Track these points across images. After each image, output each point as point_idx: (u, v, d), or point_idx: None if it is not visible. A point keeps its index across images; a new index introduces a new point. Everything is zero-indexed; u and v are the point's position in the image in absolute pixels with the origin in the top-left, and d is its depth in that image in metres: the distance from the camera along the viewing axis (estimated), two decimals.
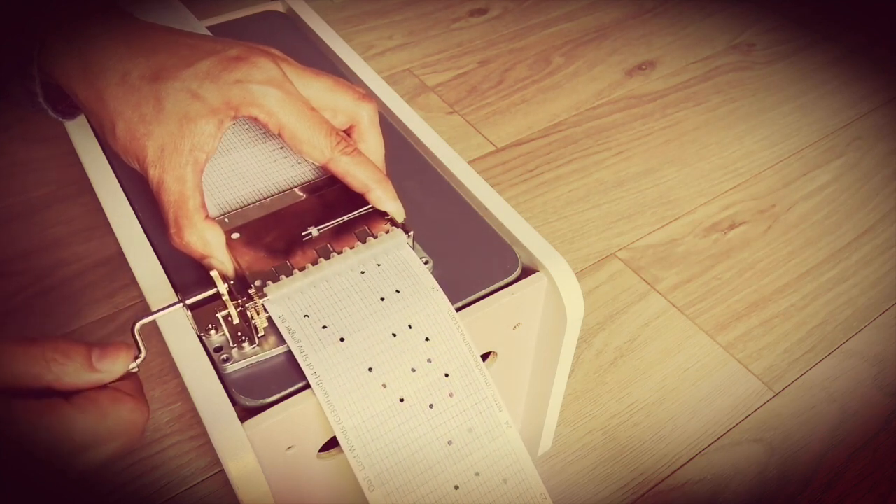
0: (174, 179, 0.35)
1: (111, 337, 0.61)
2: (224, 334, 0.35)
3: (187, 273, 0.38)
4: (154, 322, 0.34)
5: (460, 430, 0.36)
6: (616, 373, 0.61)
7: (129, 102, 0.35)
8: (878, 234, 0.73)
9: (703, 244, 0.71)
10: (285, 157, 0.42)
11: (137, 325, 0.31)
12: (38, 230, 0.69)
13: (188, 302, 0.34)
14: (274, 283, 0.35)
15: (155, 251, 0.40)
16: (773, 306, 0.66)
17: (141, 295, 0.40)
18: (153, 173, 0.35)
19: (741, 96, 0.89)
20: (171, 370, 0.59)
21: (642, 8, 1.03)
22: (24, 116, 0.78)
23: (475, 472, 0.36)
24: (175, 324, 0.36)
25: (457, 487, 0.36)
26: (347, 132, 0.40)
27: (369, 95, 0.40)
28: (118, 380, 0.28)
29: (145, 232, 0.41)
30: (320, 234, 0.37)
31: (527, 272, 0.40)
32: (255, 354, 0.34)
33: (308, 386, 0.34)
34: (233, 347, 0.35)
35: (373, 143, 0.40)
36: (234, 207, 0.39)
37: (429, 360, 0.36)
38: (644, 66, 0.93)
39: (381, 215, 0.39)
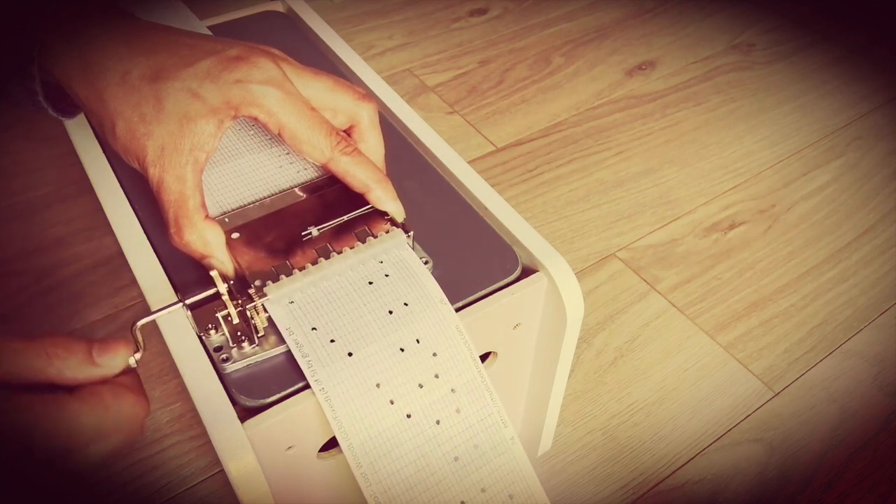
0: (174, 179, 0.35)
1: (111, 337, 0.61)
2: (224, 334, 0.35)
3: (187, 273, 0.38)
4: (154, 322, 0.34)
5: (466, 446, 0.36)
6: (616, 373, 0.61)
7: (129, 102, 0.35)
8: (878, 234, 0.73)
9: (703, 244, 0.71)
10: (285, 157, 0.42)
11: (137, 325, 0.31)
12: (38, 230, 0.69)
13: (188, 302, 0.34)
14: (274, 282, 0.35)
15: (155, 251, 0.40)
16: (773, 306, 0.66)
17: (141, 295, 0.40)
18: (153, 173, 0.35)
19: (741, 96, 0.89)
20: (171, 370, 0.59)
21: (642, 8, 1.03)
22: (24, 116, 0.78)
23: (481, 487, 0.37)
24: (175, 324, 0.36)
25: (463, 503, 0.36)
26: (347, 132, 0.40)
27: (369, 95, 0.40)
28: (118, 375, 0.29)
29: (145, 232, 0.41)
30: (320, 233, 0.37)
31: (527, 272, 0.40)
32: (254, 354, 0.34)
33: (308, 386, 0.34)
34: (233, 347, 0.35)
35: (373, 143, 0.40)
36: (234, 207, 0.39)
37: (436, 376, 0.36)
38: (644, 66, 0.93)
39: (381, 215, 0.38)
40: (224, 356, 0.34)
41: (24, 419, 0.25)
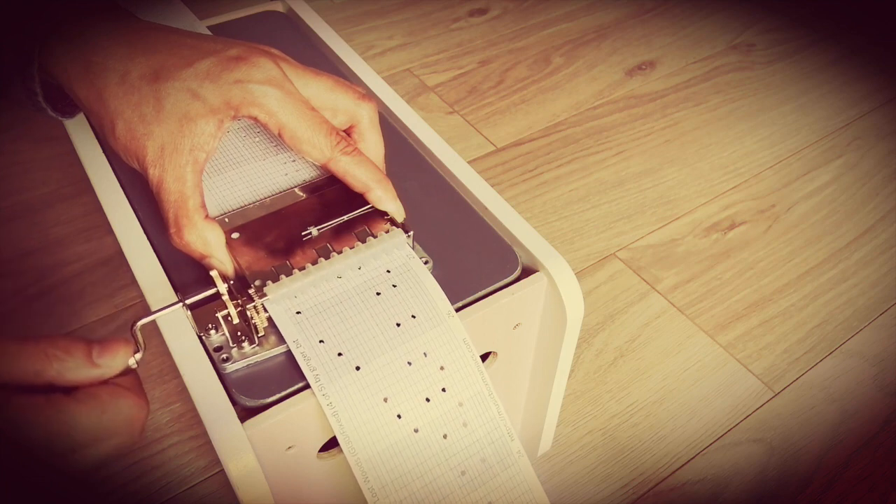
0: (174, 179, 0.35)
1: (111, 337, 0.61)
2: (224, 334, 0.35)
3: (187, 273, 0.38)
4: (154, 322, 0.34)
5: (473, 459, 0.36)
6: (616, 373, 0.61)
7: (129, 102, 0.35)
8: (878, 234, 0.73)
9: (703, 244, 0.71)
10: (285, 157, 0.42)
11: (137, 325, 0.31)
12: (38, 230, 0.69)
13: (188, 302, 0.34)
14: (274, 282, 0.35)
15: (155, 251, 0.40)
16: (773, 306, 0.66)
17: (141, 295, 0.40)
18: (153, 173, 0.35)
19: (741, 96, 0.89)
20: (171, 370, 0.59)
21: (642, 8, 1.03)
22: (24, 116, 0.78)
23: (488, 501, 0.37)
24: (175, 324, 0.36)
25: None
26: (347, 132, 0.40)
27: (369, 95, 0.40)
28: (118, 376, 0.29)
29: (145, 232, 0.41)
30: (320, 233, 0.37)
31: (527, 272, 0.40)
32: (255, 354, 0.34)
33: (308, 386, 0.34)
34: (233, 347, 0.35)
35: (373, 142, 0.40)
36: (233, 207, 0.39)
37: (443, 390, 0.36)
38: (644, 66, 0.93)
39: (381, 215, 0.38)
40: (224, 356, 0.34)
41: (22, 421, 0.25)
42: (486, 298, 0.38)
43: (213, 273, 0.34)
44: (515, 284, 0.39)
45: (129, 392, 0.28)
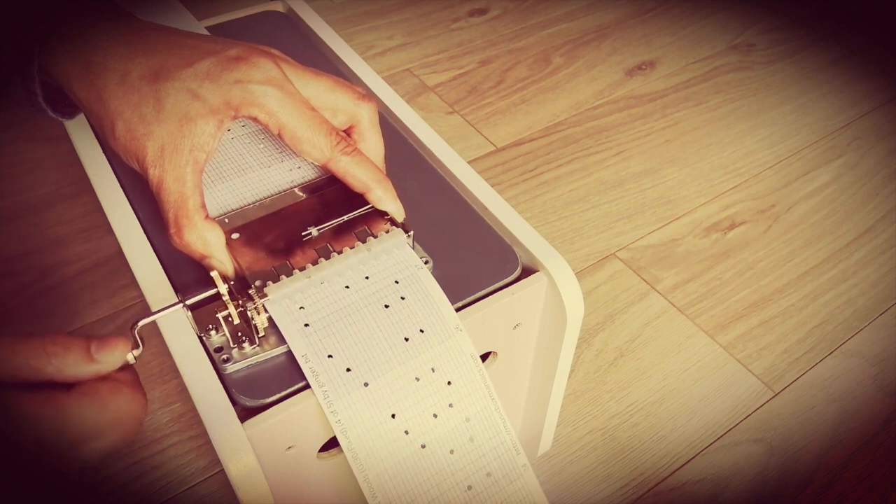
0: (174, 179, 0.35)
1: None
2: (224, 334, 0.35)
3: (187, 273, 0.38)
4: (154, 322, 0.34)
5: (479, 474, 0.36)
6: (616, 373, 0.61)
7: (129, 102, 0.35)
8: (878, 234, 0.73)
9: (703, 244, 0.71)
10: (285, 157, 0.42)
11: (138, 326, 0.31)
12: (38, 230, 0.69)
13: (188, 302, 0.34)
14: (274, 283, 0.35)
15: (155, 251, 0.40)
16: (773, 306, 0.66)
17: (141, 295, 0.40)
18: (153, 173, 0.35)
19: (741, 96, 0.89)
20: (171, 370, 0.59)
21: (642, 8, 1.03)
22: (24, 116, 0.78)
23: None
24: (175, 324, 0.36)
25: None
26: (347, 132, 0.40)
27: (369, 95, 0.40)
28: (116, 371, 0.29)
29: (145, 232, 0.41)
30: (320, 234, 0.37)
31: (527, 272, 0.40)
32: (255, 354, 0.34)
33: (308, 386, 0.34)
34: (233, 347, 0.35)
35: (373, 142, 0.40)
36: (233, 207, 0.39)
37: (450, 405, 0.36)
38: (644, 66, 0.93)
39: (381, 215, 0.38)
40: (225, 356, 0.34)
41: (22, 418, 0.25)
42: (486, 298, 0.38)
43: (214, 273, 0.34)
44: (515, 284, 0.39)
45: (127, 387, 0.28)
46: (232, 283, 0.35)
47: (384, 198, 0.38)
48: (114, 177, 0.44)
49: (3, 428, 0.25)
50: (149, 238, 0.40)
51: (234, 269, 0.36)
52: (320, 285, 0.36)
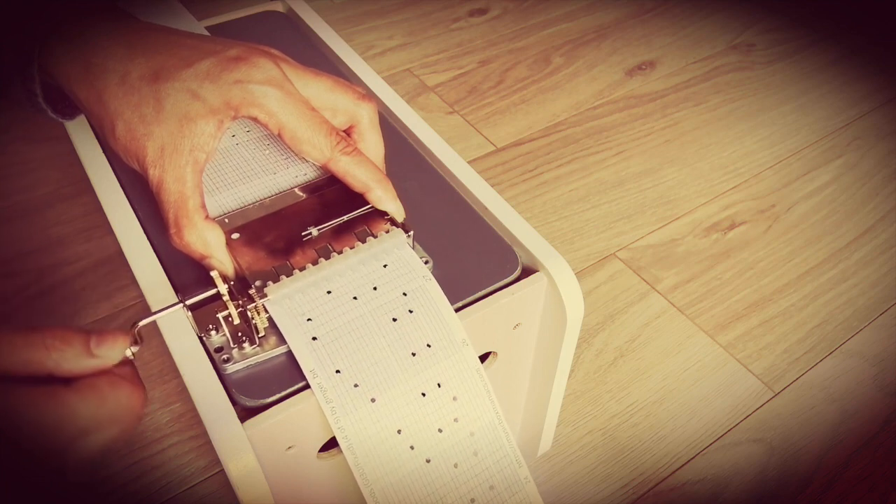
0: (174, 179, 0.35)
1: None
2: (224, 334, 0.35)
3: (187, 273, 0.38)
4: (154, 322, 0.34)
5: (482, 487, 0.36)
6: (616, 373, 0.61)
7: (129, 103, 0.35)
8: (878, 234, 0.73)
9: (703, 244, 0.71)
10: (285, 158, 0.42)
11: (138, 326, 0.31)
12: (38, 230, 0.69)
13: (188, 302, 0.34)
14: (274, 283, 0.35)
15: (155, 251, 0.40)
16: (773, 306, 0.66)
17: (141, 295, 0.40)
18: (153, 173, 0.35)
19: (741, 96, 0.89)
20: (171, 370, 0.59)
21: (642, 8, 1.03)
22: (24, 117, 0.78)
23: None
24: (175, 324, 0.36)
25: None
26: (347, 132, 0.40)
27: (369, 95, 0.40)
28: (115, 366, 0.29)
29: (145, 232, 0.41)
30: (320, 234, 0.37)
31: (527, 272, 0.40)
32: (255, 355, 0.34)
33: (308, 386, 0.34)
34: (233, 348, 0.35)
35: (373, 142, 0.40)
36: (233, 207, 0.39)
37: (455, 420, 0.36)
38: (644, 66, 0.93)
39: (381, 215, 0.38)
40: (225, 356, 0.34)
41: (21, 412, 0.25)
42: (486, 298, 0.38)
43: (214, 273, 0.34)
44: (515, 284, 0.39)
45: (126, 382, 0.28)
46: (232, 283, 0.36)
47: (384, 198, 0.38)
48: (114, 177, 0.44)
49: (3, 422, 0.25)
50: (149, 238, 0.40)
51: (235, 269, 0.36)
52: (327, 296, 0.35)
